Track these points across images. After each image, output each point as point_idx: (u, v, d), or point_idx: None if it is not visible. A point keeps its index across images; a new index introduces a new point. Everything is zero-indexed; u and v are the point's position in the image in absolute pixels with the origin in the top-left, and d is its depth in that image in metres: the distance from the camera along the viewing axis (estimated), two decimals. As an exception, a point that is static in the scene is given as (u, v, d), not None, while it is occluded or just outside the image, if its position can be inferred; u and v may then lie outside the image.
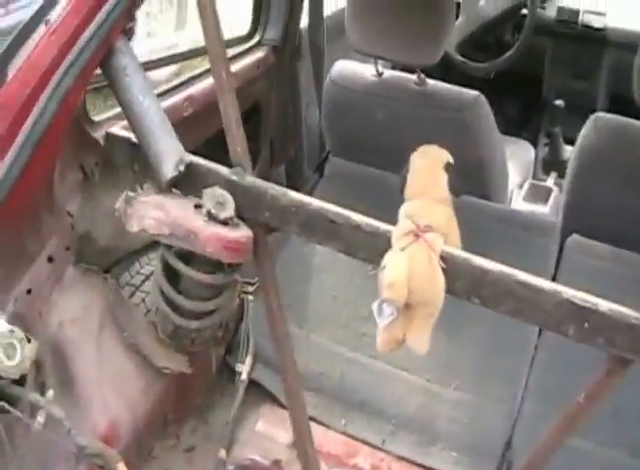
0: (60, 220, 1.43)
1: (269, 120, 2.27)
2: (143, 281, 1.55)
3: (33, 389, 1.24)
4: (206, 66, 1.94)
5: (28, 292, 1.35)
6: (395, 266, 1.17)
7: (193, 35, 4.34)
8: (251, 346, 1.85)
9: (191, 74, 1.94)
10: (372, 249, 1.24)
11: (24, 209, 1.33)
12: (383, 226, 1.24)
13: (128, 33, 1.50)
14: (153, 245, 1.52)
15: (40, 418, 1.18)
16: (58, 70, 1.33)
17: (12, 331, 1.20)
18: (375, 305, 1.18)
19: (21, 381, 1.20)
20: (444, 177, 1.29)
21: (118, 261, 1.54)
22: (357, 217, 1.26)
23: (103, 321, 1.48)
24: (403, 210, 1.26)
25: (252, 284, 1.81)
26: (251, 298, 1.86)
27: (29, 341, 1.21)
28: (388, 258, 1.19)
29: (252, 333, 1.88)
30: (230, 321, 1.74)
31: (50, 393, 1.23)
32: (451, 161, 1.31)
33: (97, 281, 1.47)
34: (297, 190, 1.35)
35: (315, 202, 1.29)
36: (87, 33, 1.37)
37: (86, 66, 1.37)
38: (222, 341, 1.70)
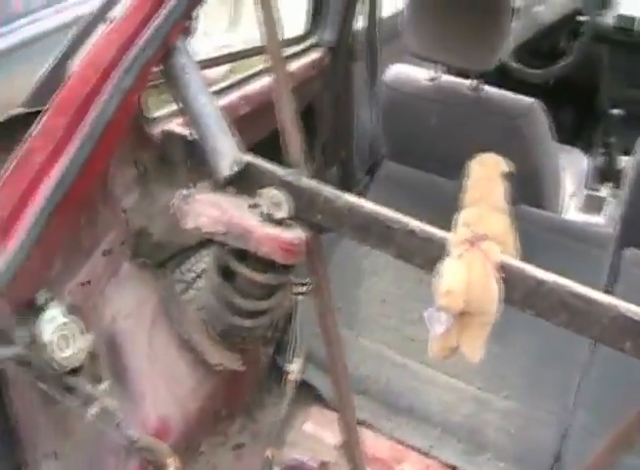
0: (116, 215, 1.45)
1: (322, 122, 2.27)
2: (195, 278, 1.56)
3: (88, 380, 1.26)
4: (261, 65, 1.96)
5: (84, 284, 1.37)
6: (452, 274, 1.16)
7: (246, 35, 4.39)
8: (300, 346, 1.86)
9: (247, 73, 1.95)
10: (426, 255, 1.23)
11: (83, 203, 1.35)
12: (438, 233, 1.23)
13: (187, 32, 1.51)
14: (205, 242, 1.53)
15: (93, 409, 1.20)
16: (118, 68, 1.35)
17: (68, 322, 1.22)
18: (429, 312, 1.17)
19: (76, 371, 1.22)
20: (502, 186, 1.29)
21: (171, 258, 1.55)
22: (412, 222, 1.25)
23: (156, 316, 1.49)
24: (460, 217, 1.25)
25: (304, 285, 1.81)
26: (300, 298, 1.87)
27: (85, 332, 1.23)
28: (445, 266, 1.18)
29: (302, 333, 1.88)
30: (280, 321, 1.75)
31: (104, 384, 1.25)
32: (509, 170, 1.30)
33: (151, 276, 1.48)
34: (349, 192, 1.35)
35: (370, 205, 1.29)
36: (148, 32, 1.38)
37: (146, 64, 1.39)
38: (272, 340, 1.71)
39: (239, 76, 1.94)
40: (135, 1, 1.40)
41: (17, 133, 1.31)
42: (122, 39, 1.37)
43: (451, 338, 1.19)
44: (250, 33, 4.39)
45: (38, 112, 1.32)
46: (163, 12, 1.39)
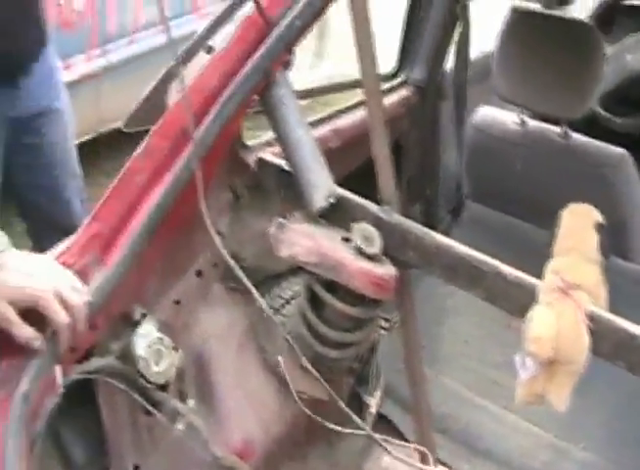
0: (210, 238, 1.49)
1: (408, 159, 2.29)
2: (283, 304, 1.59)
3: (175, 396, 1.29)
4: (352, 99, 2.00)
5: (177, 303, 1.41)
6: (543, 321, 1.16)
7: (331, 69, 4.46)
8: (381, 380, 1.86)
9: (339, 107, 1.99)
10: (515, 300, 1.23)
11: (180, 225, 1.40)
12: (528, 278, 1.23)
13: (286, 65, 1.56)
14: (295, 269, 1.56)
15: (180, 425, 1.23)
16: (221, 96, 1.41)
17: (161, 339, 1.27)
18: (517, 358, 1.18)
19: (164, 387, 1.25)
20: (595, 237, 1.29)
21: (260, 283, 1.58)
22: (502, 266, 1.25)
23: (244, 340, 1.51)
24: (551, 265, 1.25)
25: (388, 320, 1.82)
26: (383, 332, 1.88)
27: (176, 350, 1.27)
28: (536, 313, 1.18)
29: (383, 367, 1.88)
30: (364, 353, 1.76)
31: (191, 402, 1.28)
32: (602, 221, 1.30)
33: (241, 300, 1.51)
34: (432, 229, 1.36)
35: (460, 246, 1.30)
36: (251, 63, 1.43)
37: (247, 93, 1.44)
38: (356, 371, 1.71)
39: (332, 109, 1.97)
40: (239, 32, 1.45)
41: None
42: (225, 68, 1.43)
43: (538, 385, 1.19)
44: (334, 68, 4.47)
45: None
46: (266, 44, 1.44)
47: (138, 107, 1.57)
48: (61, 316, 1.11)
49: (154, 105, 1.62)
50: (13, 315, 1.09)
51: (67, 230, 1.97)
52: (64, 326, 1.12)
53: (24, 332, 1.10)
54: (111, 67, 3.32)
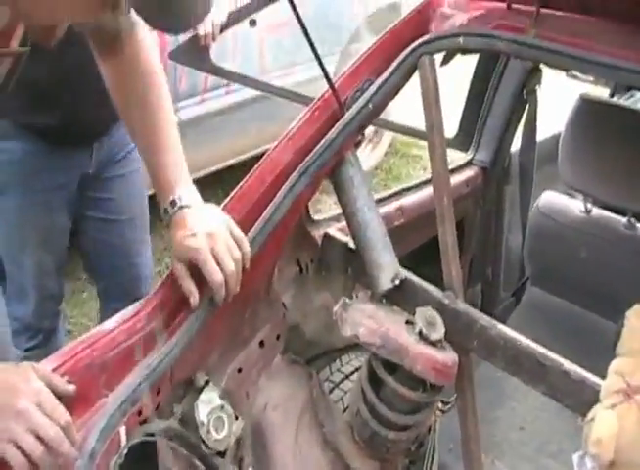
0: (274, 310, 1.53)
1: (471, 239, 2.30)
2: (343, 379, 1.61)
3: (233, 463, 1.31)
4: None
5: (239, 371, 1.44)
6: (604, 423, 1.16)
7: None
8: (435, 459, 1.84)
9: (405, 185, 2.02)
10: (577, 398, 1.23)
11: (248, 296, 1.44)
12: (591, 377, 1.23)
13: (357, 145, 1.61)
14: (354, 345, 1.58)
15: (236, 492, 1.25)
16: (293, 173, 1.46)
17: (222, 406, 1.29)
18: (576, 457, 1.18)
19: (222, 453, 1.28)
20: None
21: (320, 356, 1.61)
22: (566, 363, 1.26)
23: (303, 413, 1.53)
24: (616, 365, 1.24)
25: (447, 403, 1.81)
26: (440, 414, 1.86)
27: (236, 418, 1.30)
28: (597, 413, 1.18)
29: (438, 447, 1.86)
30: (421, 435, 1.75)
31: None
32: None
33: (301, 372, 1.54)
34: (491, 312, 1.37)
35: (524, 340, 1.31)
36: (323, 142, 1.49)
37: (319, 171, 1.49)
38: (411, 453, 1.71)
39: (399, 187, 2.00)
40: (312, 112, 1.51)
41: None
42: (298, 146, 1.49)
43: (596, 485, 1.17)
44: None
45: None
46: (339, 125, 1.50)
47: None
48: (216, 275, 1.23)
49: None
50: (180, 269, 1.26)
51: (134, 293, 2.01)
52: (218, 284, 1.24)
53: (188, 286, 1.25)
54: (181, 123, 3.42)
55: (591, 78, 3.38)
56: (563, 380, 1.24)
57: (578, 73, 3.01)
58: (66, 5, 0.95)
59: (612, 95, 3.31)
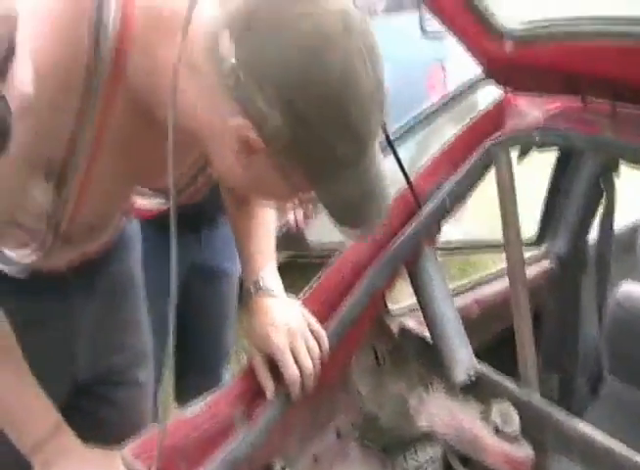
0: (351, 398, 1.55)
1: (547, 330, 2.29)
2: (418, 468, 1.60)
3: None
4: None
5: (315, 459, 1.47)
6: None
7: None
8: None
9: (482, 275, 2.04)
10: None
11: (324, 388, 1.45)
12: None
13: (435, 240, 1.65)
14: (429, 434, 1.58)
15: None
16: (371, 267, 1.50)
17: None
18: None
19: None
20: None
21: (395, 444, 1.61)
22: None
23: (379, 500, 1.54)
24: None
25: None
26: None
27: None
28: None
29: None
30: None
31: None
32: None
33: (376, 461, 1.55)
34: (568, 404, 1.36)
35: (602, 435, 1.29)
36: (401, 237, 1.54)
37: (396, 266, 1.54)
38: None
39: (475, 278, 2.02)
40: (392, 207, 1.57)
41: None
42: (377, 239, 1.53)
43: None
44: (470, 228, 4.51)
45: None
46: (417, 220, 1.55)
47: None
48: (293, 375, 1.27)
49: None
50: (259, 362, 1.30)
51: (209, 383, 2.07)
52: (294, 382, 1.28)
53: (265, 380, 1.29)
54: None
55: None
56: None
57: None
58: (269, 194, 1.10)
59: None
